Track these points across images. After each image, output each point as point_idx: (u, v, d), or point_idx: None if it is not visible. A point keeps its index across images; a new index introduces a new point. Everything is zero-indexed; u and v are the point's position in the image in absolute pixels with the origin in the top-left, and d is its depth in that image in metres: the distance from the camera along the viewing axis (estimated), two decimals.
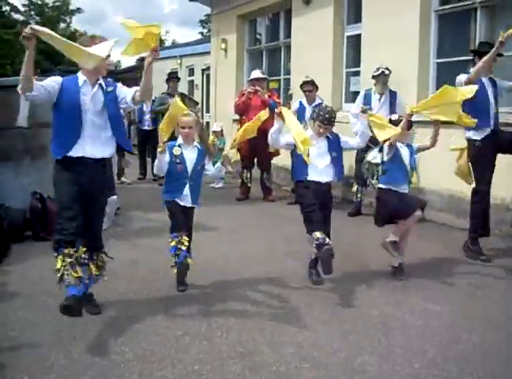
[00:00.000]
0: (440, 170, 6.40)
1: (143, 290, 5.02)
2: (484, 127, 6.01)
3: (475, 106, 5.80)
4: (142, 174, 12.61)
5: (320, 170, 5.12)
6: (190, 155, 4.96)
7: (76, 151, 4.24)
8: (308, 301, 4.82)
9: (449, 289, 5.18)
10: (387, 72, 8.18)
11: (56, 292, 4.76)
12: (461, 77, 6.06)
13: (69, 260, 4.19)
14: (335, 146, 5.21)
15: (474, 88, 5.40)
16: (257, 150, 9.65)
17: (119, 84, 4.55)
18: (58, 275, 4.22)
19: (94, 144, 4.29)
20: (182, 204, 4.94)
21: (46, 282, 5.16)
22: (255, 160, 9.93)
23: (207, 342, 3.98)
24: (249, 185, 9.84)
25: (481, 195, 6.15)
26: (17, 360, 3.71)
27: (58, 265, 4.21)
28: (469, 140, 6.15)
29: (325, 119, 5.07)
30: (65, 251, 4.19)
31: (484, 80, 6.10)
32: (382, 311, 4.60)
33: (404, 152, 5.52)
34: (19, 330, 4.19)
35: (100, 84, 4.34)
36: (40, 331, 4.16)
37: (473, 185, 6.18)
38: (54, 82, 4.23)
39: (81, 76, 4.30)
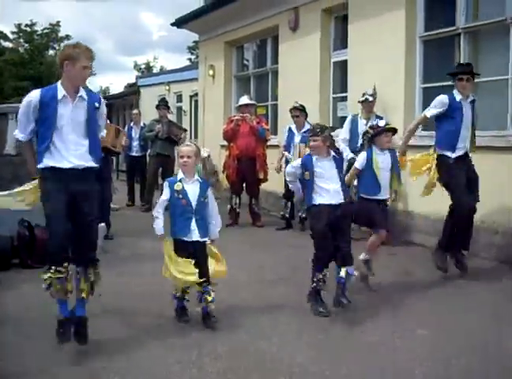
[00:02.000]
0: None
1: (132, 318, 4.98)
2: (452, 148, 6.07)
3: (446, 123, 5.93)
4: (130, 200, 12.60)
5: (331, 193, 5.06)
6: (192, 189, 4.83)
7: (58, 161, 4.20)
8: (297, 327, 4.79)
9: (439, 313, 5.17)
10: (371, 98, 8.28)
11: (43, 320, 4.73)
12: (441, 99, 6.19)
13: (59, 275, 4.16)
14: (340, 165, 5.21)
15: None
16: (245, 176, 9.68)
17: (103, 105, 4.52)
18: (45, 283, 4.18)
19: (76, 155, 4.24)
20: (192, 240, 4.79)
21: (32, 310, 5.13)
22: (244, 186, 9.94)
23: (197, 370, 3.94)
24: (238, 210, 9.84)
25: (460, 204, 6.13)
26: None
27: (46, 276, 4.18)
28: (442, 156, 6.17)
29: (311, 131, 5.13)
30: (56, 268, 4.15)
31: (463, 102, 6.16)
32: (372, 337, 4.58)
33: (380, 158, 5.60)
34: (5, 358, 4.14)
35: (82, 97, 4.28)
36: (27, 358, 4.11)
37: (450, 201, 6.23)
38: (32, 107, 4.19)
39: (61, 89, 4.22)
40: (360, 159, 5.65)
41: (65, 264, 4.22)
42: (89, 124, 4.31)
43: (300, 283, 6.04)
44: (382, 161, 5.59)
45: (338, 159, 5.18)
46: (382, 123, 5.74)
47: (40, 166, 4.25)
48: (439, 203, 6.60)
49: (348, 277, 5.06)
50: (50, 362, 4.05)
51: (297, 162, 5.29)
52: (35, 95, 4.22)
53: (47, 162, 4.21)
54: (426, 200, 6.61)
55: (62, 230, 4.19)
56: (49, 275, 4.16)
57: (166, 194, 4.86)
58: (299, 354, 4.22)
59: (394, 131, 5.73)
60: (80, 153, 4.27)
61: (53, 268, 4.15)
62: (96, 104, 4.38)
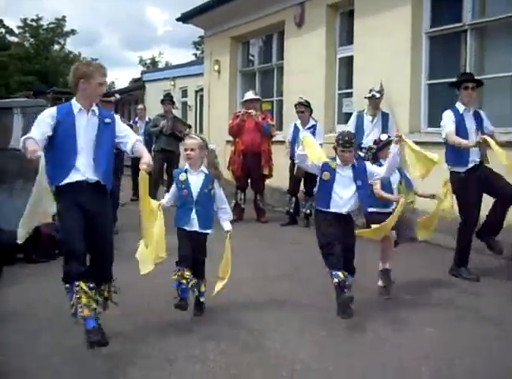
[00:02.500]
0: (432, 191, 6.40)
1: (136, 314, 4.99)
2: (463, 162, 5.99)
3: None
4: (135, 195, 12.58)
5: (344, 201, 4.98)
6: (196, 180, 4.88)
7: (73, 177, 4.21)
8: (301, 324, 4.79)
9: (443, 311, 5.16)
10: (378, 95, 8.26)
11: (46, 315, 4.75)
12: (446, 121, 6.04)
13: (83, 295, 4.16)
14: (360, 174, 5.04)
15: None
16: (250, 171, 9.68)
17: (117, 118, 4.58)
18: (72, 309, 4.19)
19: (89, 169, 4.26)
20: (191, 229, 4.87)
21: (36, 305, 5.14)
22: (249, 181, 9.94)
23: (201, 365, 3.95)
24: (242, 206, 9.84)
25: (467, 230, 6.13)
26: None
27: (73, 302, 4.18)
28: (453, 173, 6.10)
29: (345, 142, 4.94)
30: (78, 284, 4.16)
31: (465, 114, 6.06)
32: (376, 333, 4.58)
33: (393, 178, 5.53)
34: (7, 354, 4.15)
35: (93, 111, 4.33)
36: (29, 355, 4.11)
37: (459, 218, 6.16)
38: (49, 118, 4.19)
39: (76, 104, 4.29)
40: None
41: (88, 283, 4.24)
42: (98, 139, 4.31)
43: (304, 279, 6.06)
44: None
45: (357, 168, 5.06)
46: (384, 137, 5.70)
47: (60, 183, 4.24)
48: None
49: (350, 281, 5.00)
50: (52, 359, 4.05)
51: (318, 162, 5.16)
52: (51, 111, 4.26)
53: (59, 179, 4.23)
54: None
55: (79, 247, 4.20)
56: (74, 300, 4.16)
57: (173, 186, 4.97)
58: (302, 350, 4.22)
59: (390, 143, 5.65)
60: (92, 166, 4.28)
61: (76, 284, 4.15)
62: (107, 120, 4.40)
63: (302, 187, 9.43)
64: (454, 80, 6.44)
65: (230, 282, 5.62)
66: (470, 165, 6.02)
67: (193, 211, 4.86)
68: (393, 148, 5.17)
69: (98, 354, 4.11)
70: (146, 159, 4.31)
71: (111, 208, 4.64)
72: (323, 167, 5.04)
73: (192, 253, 4.87)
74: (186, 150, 4.91)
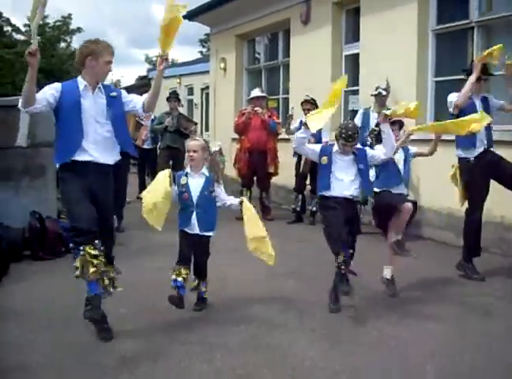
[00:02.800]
0: (439, 188, 6.41)
1: (142, 312, 4.99)
2: (472, 146, 5.98)
3: None
4: (141, 192, 12.59)
5: (345, 184, 5.00)
6: (196, 183, 4.88)
7: (79, 156, 4.23)
8: (307, 322, 4.78)
9: (448, 308, 5.15)
10: (384, 93, 8.23)
11: (52, 312, 4.75)
12: (451, 98, 6.06)
13: (93, 252, 4.12)
14: (361, 159, 5.07)
15: (486, 118, 5.30)
16: (256, 169, 9.68)
17: (123, 91, 4.61)
18: (77, 271, 4.14)
19: (97, 149, 4.28)
20: (192, 232, 4.87)
21: (42, 302, 5.15)
22: (254, 179, 9.93)
23: (207, 364, 3.94)
24: None
25: (473, 217, 6.12)
26: None
27: (77, 264, 4.13)
28: (460, 159, 6.11)
29: (348, 136, 4.93)
30: (86, 249, 4.11)
31: (475, 99, 6.08)
32: (382, 331, 4.57)
33: (398, 156, 5.53)
34: (11, 351, 4.15)
35: (100, 88, 4.36)
36: (33, 352, 4.11)
37: (466, 205, 6.16)
38: (53, 90, 4.24)
39: (81, 81, 4.32)
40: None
41: (97, 242, 4.19)
42: (111, 113, 4.35)
43: (311, 277, 6.05)
44: (396, 156, 5.53)
45: (358, 154, 5.08)
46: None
47: (59, 161, 4.28)
48: (449, 197, 6.57)
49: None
50: (56, 356, 4.06)
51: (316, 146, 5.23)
52: (57, 85, 4.30)
53: (64, 157, 4.24)
54: (436, 195, 6.57)
55: (86, 210, 4.19)
56: (81, 257, 4.11)
57: (176, 187, 4.93)
58: (309, 348, 4.21)
59: (400, 124, 5.65)
60: (100, 146, 4.29)
61: (82, 247, 4.11)
62: (113, 93, 4.43)
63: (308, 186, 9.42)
64: (462, 77, 6.43)
65: (236, 280, 5.64)
66: (479, 149, 6.01)
67: (194, 214, 4.85)
68: (385, 127, 5.12)
69: (102, 352, 4.11)
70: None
71: (112, 189, 4.61)
72: (321, 152, 5.08)
73: (191, 254, 4.92)
74: (189, 152, 4.90)
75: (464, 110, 5.93)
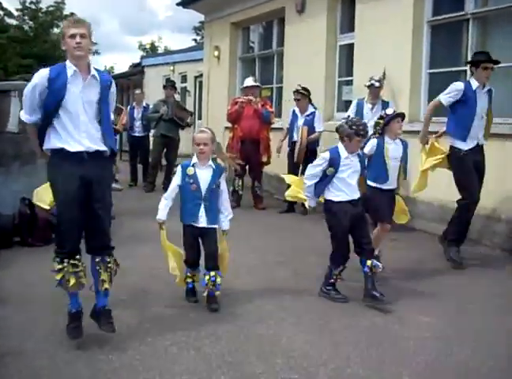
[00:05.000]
0: (431, 181, 6.40)
1: (132, 299, 4.98)
2: (467, 140, 6.00)
3: (459, 113, 5.85)
4: (133, 180, 12.57)
5: (353, 187, 5.03)
6: (204, 175, 4.79)
7: (70, 145, 3.99)
8: (298, 311, 4.79)
9: (440, 300, 5.16)
10: (377, 84, 8.19)
11: (42, 299, 4.73)
12: (447, 92, 6.14)
13: (75, 269, 4.02)
14: (362, 158, 5.14)
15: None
16: (249, 158, 9.64)
17: (113, 84, 4.32)
18: (58, 277, 4.02)
19: (89, 137, 4.04)
20: (199, 226, 4.81)
21: (32, 288, 5.13)
22: (247, 168, 9.91)
23: (195, 351, 3.94)
24: (240, 193, 9.81)
25: (467, 206, 6.13)
26: (0, 368, 3.66)
27: (58, 270, 4.02)
28: (453, 148, 6.11)
29: (366, 132, 5.03)
30: (67, 261, 4.01)
31: (478, 91, 6.07)
32: (373, 322, 4.58)
33: (391, 147, 5.53)
34: (3, 337, 4.13)
35: (94, 76, 4.08)
36: (25, 338, 4.11)
37: (459, 195, 6.19)
38: (41, 80, 3.98)
39: (70, 66, 4.02)
40: (369, 145, 5.52)
41: (79, 257, 4.07)
42: (102, 105, 4.11)
43: (301, 266, 6.06)
44: (393, 150, 5.53)
45: (362, 155, 5.14)
46: (389, 111, 5.67)
47: (48, 146, 4.06)
48: (442, 189, 6.58)
49: (374, 269, 5.04)
50: (48, 342, 4.05)
51: (322, 160, 5.09)
52: (44, 72, 4.02)
53: (55, 143, 4.01)
54: (429, 187, 6.56)
55: (74, 218, 4.01)
56: (62, 267, 4.00)
57: (177, 179, 4.84)
58: (299, 338, 4.22)
59: (403, 116, 5.68)
60: (92, 135, 4.06)
61: (66, 260, 4.00)
62: (108, 84, 4.20)
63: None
64: (456, 69, 6.44)
65: (227, 269, 5.62)
66: (470, 144, 6.03)
67: (202, 206, 4.77)
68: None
69: (93, 339, 4.09)
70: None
71: (110, 176, 4.51)
72: (331, 160, 5.01)
73: (199, 255, 4.91)
74: (198, 145, 4.78)
75: (466, 101, 5.94)
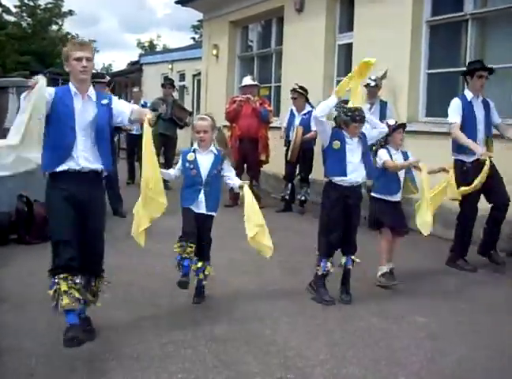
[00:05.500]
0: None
1: (128, 297, 4.98)
2: (470, 153, 5.92)
3: (461, 129, 5.81)
4: (131, 178, 12.55)
5: (355, 164, 4.99)
6: (205, 161, 4.80)
7: (69, 164, 3.99)
8: (294, 311, 4.79)
9: (436, 300, 5.17)
10: (373, 83, 8.15)
11: (39, 297, 4.71)
12: (451, 115, 6.05)
13: (64, 286, 3.89)
14: (364, 142, 5.09)
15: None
16: (247, 157, 9.64)
17: (114, 98, 4.35)
18: (53, 301, 3.91)
19: (86, 157, 4.04)
20: (197, 211, 4.79)
21: (29, 287, 5.12)
22: (245, 167, 9.90)
23: (191, 350, 3.94)
24: (238, 191, 9.77)
25: (467, 222, 6.13)
26: None
27: (51, 292, 3.92)
28: (457, 161, 6.06)
29: (363, 117, 5.00)
30: (62, 276, 3.90)
31: (474, 102, 6.03)
32: (369, 322, 4.58)
33: (396, 157, 5.54)
34: (1, 333, 4.13)
35: (89, 96, 4.11)
36: (21, 336, 4.10)
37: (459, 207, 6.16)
38: (47, 93, 3.96)
39: (72, 88, 4.08)
40: (383, 157, 5.50)
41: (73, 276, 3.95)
42: (97, 123, 4.09)
43: (298, 266, 6.05)
44: (399, 160, 5.53)
45: (363, 138, 5.11)
46: (391, 122, 5.69)
47: (52, 169, 4.01)
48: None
49: (351, 264, 5.10)
50: (45, 341, 4.04)
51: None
52: (50, 89, 4.03)
53: (62, 167, 3.98)
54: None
55: (71, 239, 3.96)
56: (55, 287, 3.89)
57: (178, 164, 4.87)
58: (294, 338, 4.22)
59: (405, 127, 5.68)
60: (88, 155, 4.05)
61: (56, 279, 3.89)
62: (105, 101, 4.18)
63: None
64: (455, 70, 6.42)
65: (224, 268, 5.63)
66: (475, 156, 5.96)
67: (202, 192, 4.77)
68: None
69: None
70: (145, 110, 4.27)
71: (104, 199, 4.47)
72: (333, 134, 5.02)
73: (197, 231, 4.76)
74: (198, 132, 4.79)
75: (465, 114, 5.91)
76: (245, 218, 4.73)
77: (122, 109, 4.29)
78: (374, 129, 5.28)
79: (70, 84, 4.12)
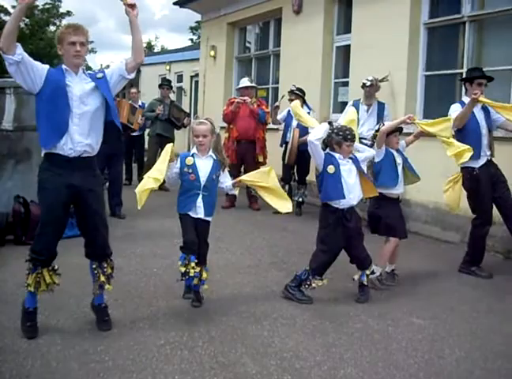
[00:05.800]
0: (426, 183, 6.39)
1: (125, 298, 4.96)
2: (476, 157, 5.87)
3: (465, 136, 5.80)
4: (128, 179, 12.53)
5: (351, 185, 4.99)
6: (204, 165, 4.76)
7: (64, 149, 3.98)
8: (292, 312, 4.78)
9: (433, 302, 5.17)
10: (368, 83, 8.14)
11: None
12: (453, 111, 6.00)
13: (48, 278, 4.13)
14: (357, 164, 5.09)
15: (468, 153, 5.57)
16: (244, 158, 9.63)
17: (107, 70, 4.33)
18: (29, 288, 4.13)
19: (82, 134, 4.02)
20: (195, 216, 4.77)
21: (24, 287, 5.07)
22: (242, 168, 9.89)
23: (188, 352, 3.93)
24: (235, 193, 9.75)
25: (482, 230, 6.06)
26: None
27: (30, 281, 4.12)
28: (465, 168, 5.99)
29: (353, 136, 5.01)
30: (43, 271, 4.12)
31: (475, 109, 6.01)
32: (366, 324, 4.57)
33: (396, 154, 5.54)
34: None
35: (83, 71, 4.13)
36: (17, 337, 4.08)
37: (473, 215, 6.11)
38: (40, 66, 4.00)
39: (64, 67, 4.07)
40: (379, 152, 5.50)
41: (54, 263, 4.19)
42: (95, 95, 4.10)
43: (295, 267, 6.02)
44: (396, 157, 5.53)
45: (355, 159, 5.09)
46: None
47: (53, 144, 4.00)
48: (437, 192, 6.56)
49: (365, 280, 5.12)
50: (41, 341, 4.03)
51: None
52: (44, 65, 4.06)
53: (55, 141, 3.98)
54: (424, 189, 6.57)
55: (52, 237, 4.13)
56: (37, 274, 4.11)
57: (176, 167, 4.79)
58: (292, 339, 4.21)
59: (401, 131, 5.68)
60: (83, 130, 4.04)
61: (39, 269, 4.12)
62: (99, 75, 4.20)
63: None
64: (452, 72, 6.42)
65: (221, 269, 5.62)
66: (482, 160, 5.95)
67: (200, 197, 4.73)
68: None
69: (87, 338, 4.09)
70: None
71: (101, 183, 4.49)
72: (326, 159, 5.00)
73: (197, 238, 4.77)
74: (197, 137, 4.75)
75: (467, 121, 5.90)
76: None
77: (116, 67, 4.31)
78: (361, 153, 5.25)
79: (63, 66, 4.10)
